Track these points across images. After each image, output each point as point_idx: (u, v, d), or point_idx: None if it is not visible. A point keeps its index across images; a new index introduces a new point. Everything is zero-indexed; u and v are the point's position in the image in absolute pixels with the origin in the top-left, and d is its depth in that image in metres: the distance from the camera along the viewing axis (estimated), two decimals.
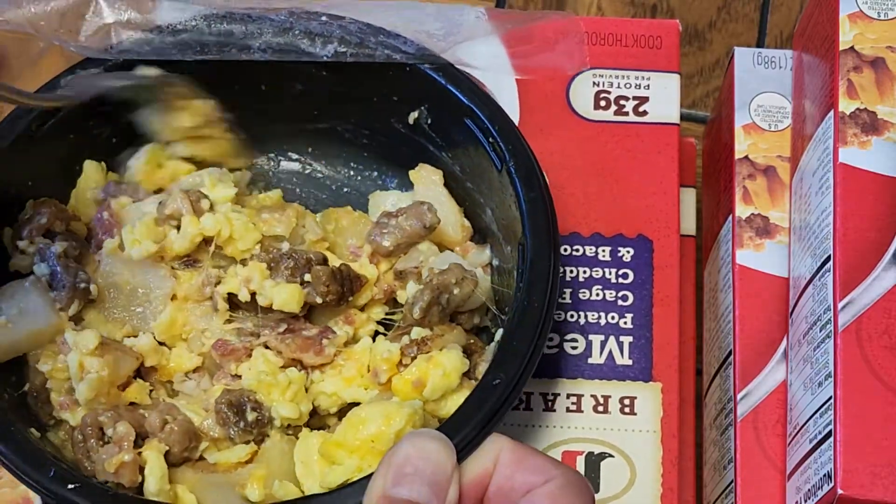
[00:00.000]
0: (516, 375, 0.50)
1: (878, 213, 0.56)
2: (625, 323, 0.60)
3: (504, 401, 0.50)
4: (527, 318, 0.51)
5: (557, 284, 0.53)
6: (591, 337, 0.60)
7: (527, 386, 0.58)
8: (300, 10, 0.58)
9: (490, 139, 0.56)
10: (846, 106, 0.58)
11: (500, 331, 0.55)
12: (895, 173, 0.57)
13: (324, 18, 0.58)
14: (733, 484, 0.60)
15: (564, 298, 0.60)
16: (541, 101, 0.63)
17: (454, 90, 0.57)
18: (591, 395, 0.59)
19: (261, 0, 0.59)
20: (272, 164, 0.63)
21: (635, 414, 0.58)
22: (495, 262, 0.58)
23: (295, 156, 0.64)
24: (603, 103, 0.64)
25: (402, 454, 0.45)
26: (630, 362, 0.59)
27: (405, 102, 0.59)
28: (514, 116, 0.63)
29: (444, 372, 0.53)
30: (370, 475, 0.46)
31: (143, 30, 0.57)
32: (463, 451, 0.47)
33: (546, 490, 0.45)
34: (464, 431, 0.48)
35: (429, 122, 0.59)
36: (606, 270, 0.61)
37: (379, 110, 0.60)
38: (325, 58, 0.57)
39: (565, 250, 0.61)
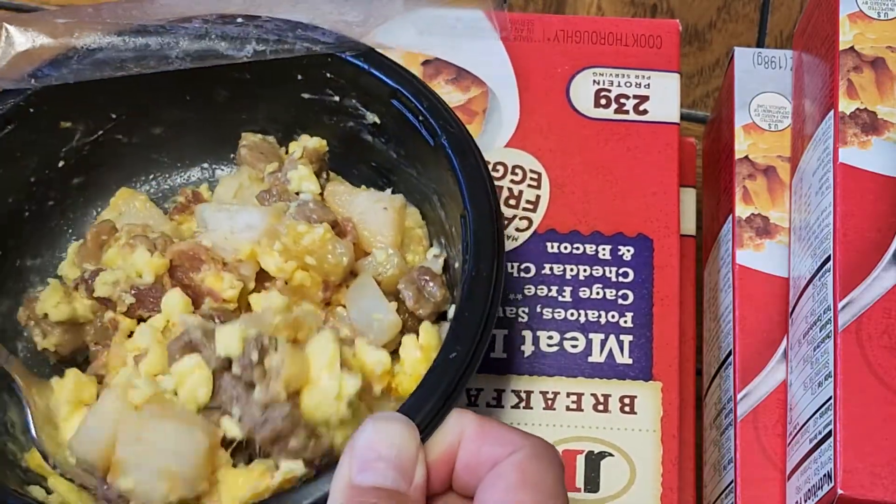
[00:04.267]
0: (472, 346, 0.50)
1: (878, 213, 0.56)
2: (625, 322, 0.60)
3: (462, 373, 0.49)
4: (476, 289, 0.51)
5: (504, 251, 0.52)
6: (591, 335, 0.59)
7: (526, 384, 0.58)
8: (215, 16, 0.58)
9: (420, 117, 0.56)
10: (846, 106, 0.58)
11: (452, 307, 0.55)
12: (895, 173, 0.57)
13: (239, 20, 0.58)
14: (733, 484, 0.60)
15: (564, 296, 0.60)
16: (541, 99, 0.63)
17: (377, 73, 0.57)
18: (591, 394, 0.58)
19: (178, 10, 0.58)
20: (206, 173, 0.63)
21: (635, 413, 0.58)
22: (445, 253, 0.58)
23: (228, 163, 0.63)
24: (603, 102, 0.64)
25: (364, 440, 0.45)
26: (630, 361, 0.59)
27: (331, 94, 0.59)
28: (515, 115, 0.63)
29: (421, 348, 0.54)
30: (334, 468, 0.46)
31: (58, 54, 0.57)
32: (426, 430, 0.47)
33: (513, 460, 0.44)
34: (425, 409, 0.47)
35: (358, 109, 0.59)
36: (606, 269, 0.61)
37: (307, 106, 0.60)
38: (244, 58, 0.57)
39: (566, 248, 0.61)
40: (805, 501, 0.55)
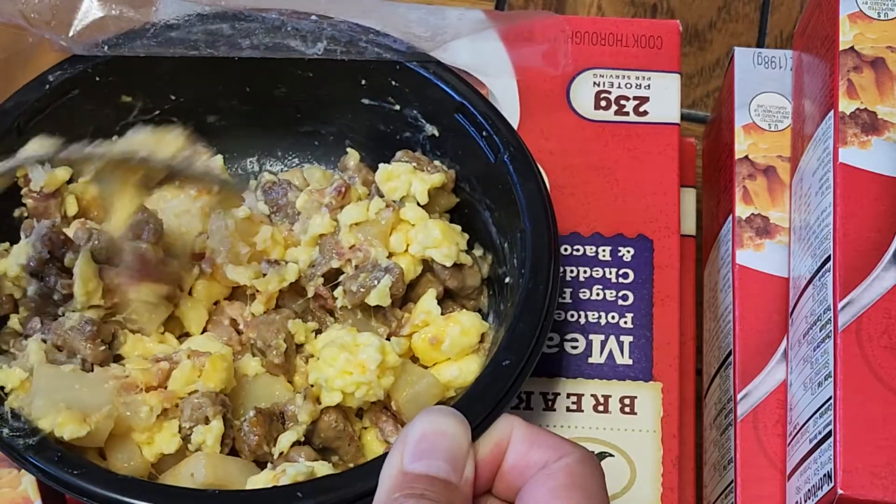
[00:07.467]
0: (525, 355, 0.51)
1: (878, 213, 0.56)
2: (625, 322, 0.60)
3: (514, 381, 0.51)
4: (532, 301, 0.52)
5: (559, 269, 0.53)
6: (591, 336, 0.60)
7: (527, 385, 0.58)
8: (290, 11, 0.58)
9: (483, 133, 0.56)
10: (846, 106, 0.58)
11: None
12: (895, 173, 0.57)
13: (314, 18, 0.58)
14: (733, 484, 0.60)
15: (565, 298, 0.60)
16: (541, 101, 0.63)
17: (444, 86, 0.57)
18: (592, 395, 0.59)
19: (253, 0, 0.59)
20: (254, 166, 0.63)
21: (635, 414, 0.58)
22: (493, 270, 0.58)
23: (277, 159, 0.63)
24: (603, 103, 0.64)
25: (417, 430, 0.45)
26: (630, 362, 0.59)
27: (392, 102, 0.59)
28: (515, 116, 0.63)
29: (462, 329, 0.55)
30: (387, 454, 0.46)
31: (135, 26, 0.57)
32: (476, 430, 0.47)
33: (562, 464, 0.45)
34: (477, 410, 0.48)
35: (418, 120, 0.59)
36: (607, 270, 0.61)
37: (364, 111, 0.60)
38: (315, 55, 0.57)
39: (566, 250, 0.61)
40: (805, 501, 0.55)
